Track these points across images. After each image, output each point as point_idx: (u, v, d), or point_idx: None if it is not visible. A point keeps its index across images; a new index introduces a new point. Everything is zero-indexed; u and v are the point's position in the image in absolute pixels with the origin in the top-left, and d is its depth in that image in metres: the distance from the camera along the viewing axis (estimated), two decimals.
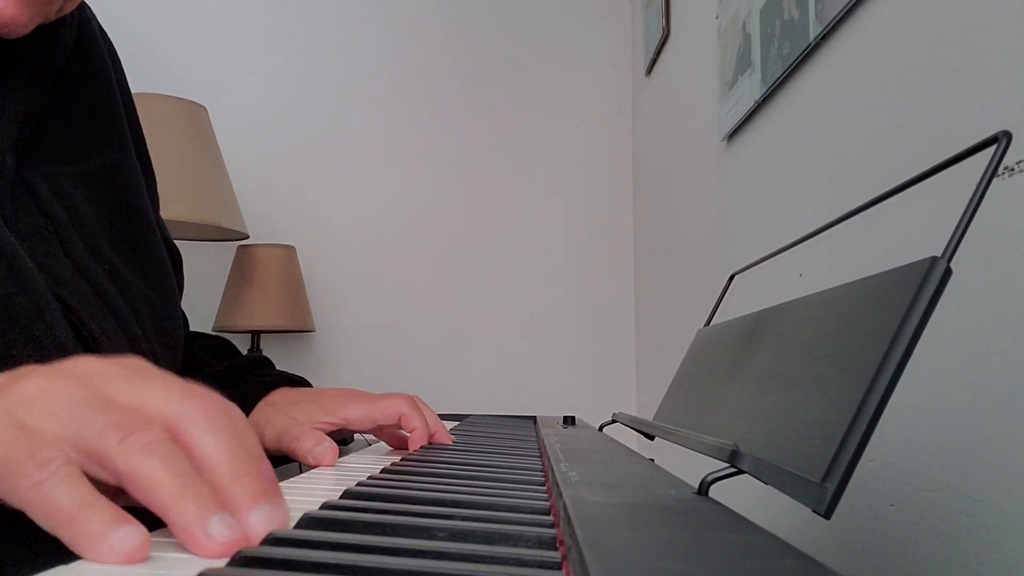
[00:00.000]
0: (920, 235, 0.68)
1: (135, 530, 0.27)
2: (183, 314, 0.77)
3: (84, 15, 0.65)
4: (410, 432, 0.67)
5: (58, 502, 0.27)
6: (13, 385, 0.31)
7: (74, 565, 0.25)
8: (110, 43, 0.69)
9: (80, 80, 0.62)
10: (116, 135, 0.65)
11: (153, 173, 0.73)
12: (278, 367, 0.80)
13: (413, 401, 0.69)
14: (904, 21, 0.73)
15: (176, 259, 0.75)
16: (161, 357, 0.62)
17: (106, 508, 0.27)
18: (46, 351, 0.48)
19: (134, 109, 0.71)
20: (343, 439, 0.76)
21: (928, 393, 0.65)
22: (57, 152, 0.58)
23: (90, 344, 0.53)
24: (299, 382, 0.78)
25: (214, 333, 0.79)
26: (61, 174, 0.57)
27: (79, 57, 0.63)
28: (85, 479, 0.28)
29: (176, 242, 0.77)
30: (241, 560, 0.25)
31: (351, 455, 0.67)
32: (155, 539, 0.30)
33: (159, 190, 0.75)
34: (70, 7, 0.55)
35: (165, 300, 0.65)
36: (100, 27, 0.68)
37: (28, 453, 0.28)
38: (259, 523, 0.29)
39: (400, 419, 0.67)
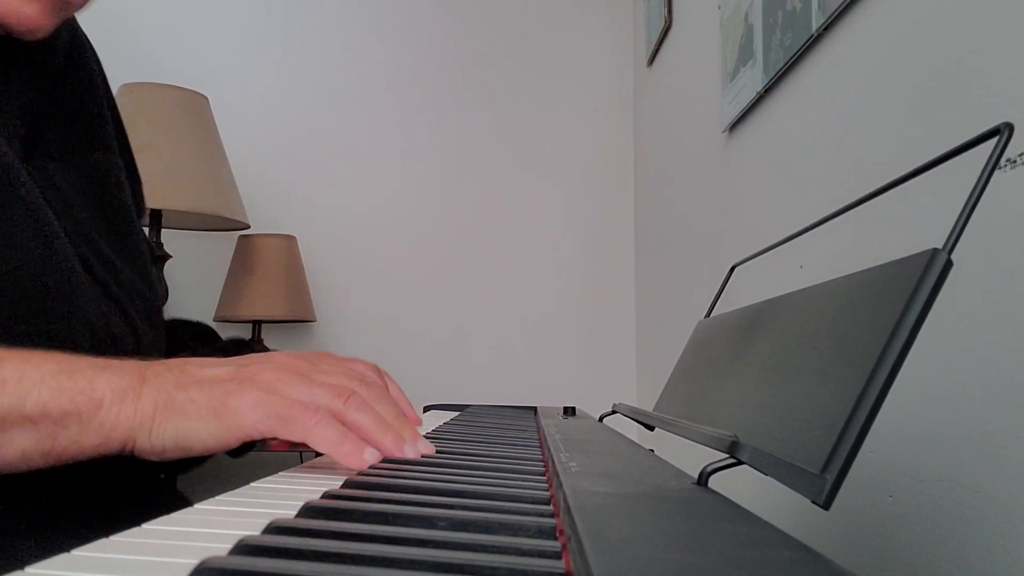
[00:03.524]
0: (921, 227, 0.68)
1: (375, 450, 0.46)
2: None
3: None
4: None
5: (330, 434, 0.45)
6: (239, 370, 0.48)
7: (75, 552, 0.26)
8: (90, 42, 0.70)
9: (72, 79, 0.63)
10: (101, 136, 0.66)
11: (139, 175, 0.74)
12: None
13: (376, 370, 0.66)
14: (907, 12, 0.73)
15: (157, 261, 0.77)
16: (153, 343, 0.64)
17: (356, 437, 0.46)
18: (75, 327, 0.52)
19: (116, 109, 0.71)
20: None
21: (928, 385, 0.65)
22: (48, 148, 0.59)
23: (107, 323, 0.56)
24: None
25: (195, 320, 0.81)
26: (53, 169, 0.58)
27: (71, 56, 0.64)
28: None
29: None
30: (243, 548, 0.25)
31: None
32: (157, 527, 0.30)
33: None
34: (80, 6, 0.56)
35: (152, 291, 0.67)
36: (79, 27, 0.69)
37: (305, 410, 0.45)
38: (422, 447, 0.49)
39: None
